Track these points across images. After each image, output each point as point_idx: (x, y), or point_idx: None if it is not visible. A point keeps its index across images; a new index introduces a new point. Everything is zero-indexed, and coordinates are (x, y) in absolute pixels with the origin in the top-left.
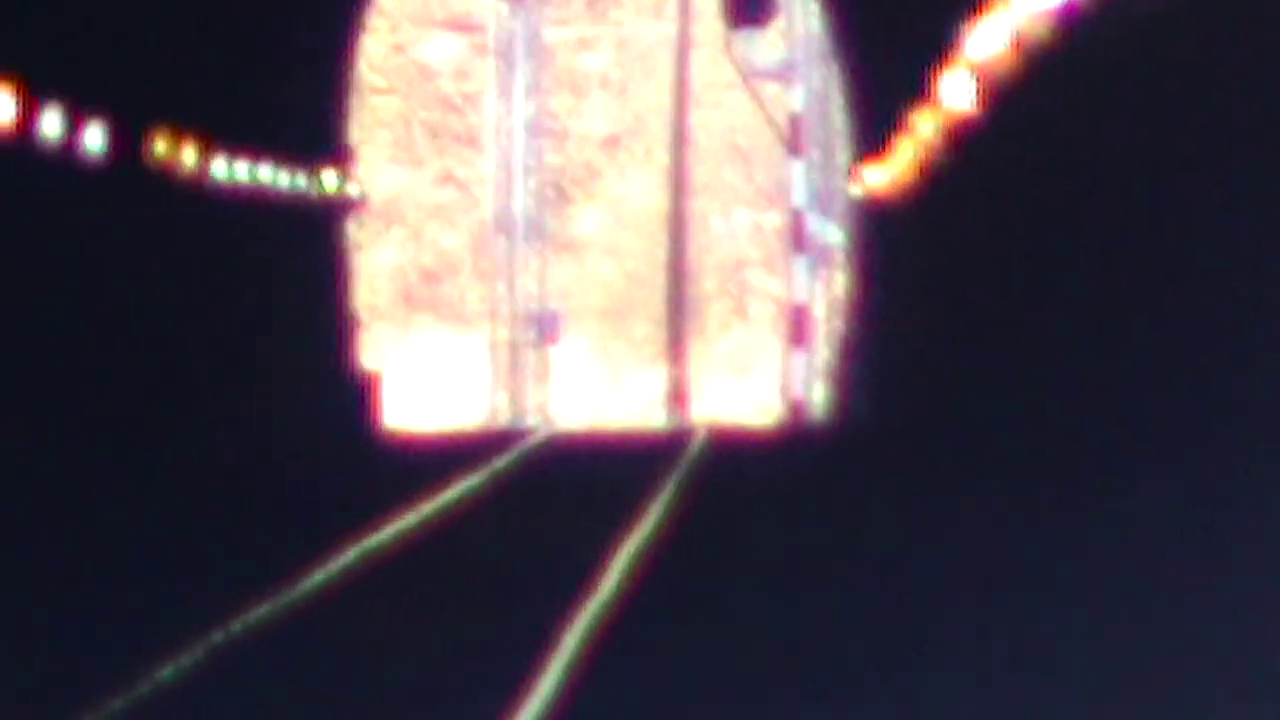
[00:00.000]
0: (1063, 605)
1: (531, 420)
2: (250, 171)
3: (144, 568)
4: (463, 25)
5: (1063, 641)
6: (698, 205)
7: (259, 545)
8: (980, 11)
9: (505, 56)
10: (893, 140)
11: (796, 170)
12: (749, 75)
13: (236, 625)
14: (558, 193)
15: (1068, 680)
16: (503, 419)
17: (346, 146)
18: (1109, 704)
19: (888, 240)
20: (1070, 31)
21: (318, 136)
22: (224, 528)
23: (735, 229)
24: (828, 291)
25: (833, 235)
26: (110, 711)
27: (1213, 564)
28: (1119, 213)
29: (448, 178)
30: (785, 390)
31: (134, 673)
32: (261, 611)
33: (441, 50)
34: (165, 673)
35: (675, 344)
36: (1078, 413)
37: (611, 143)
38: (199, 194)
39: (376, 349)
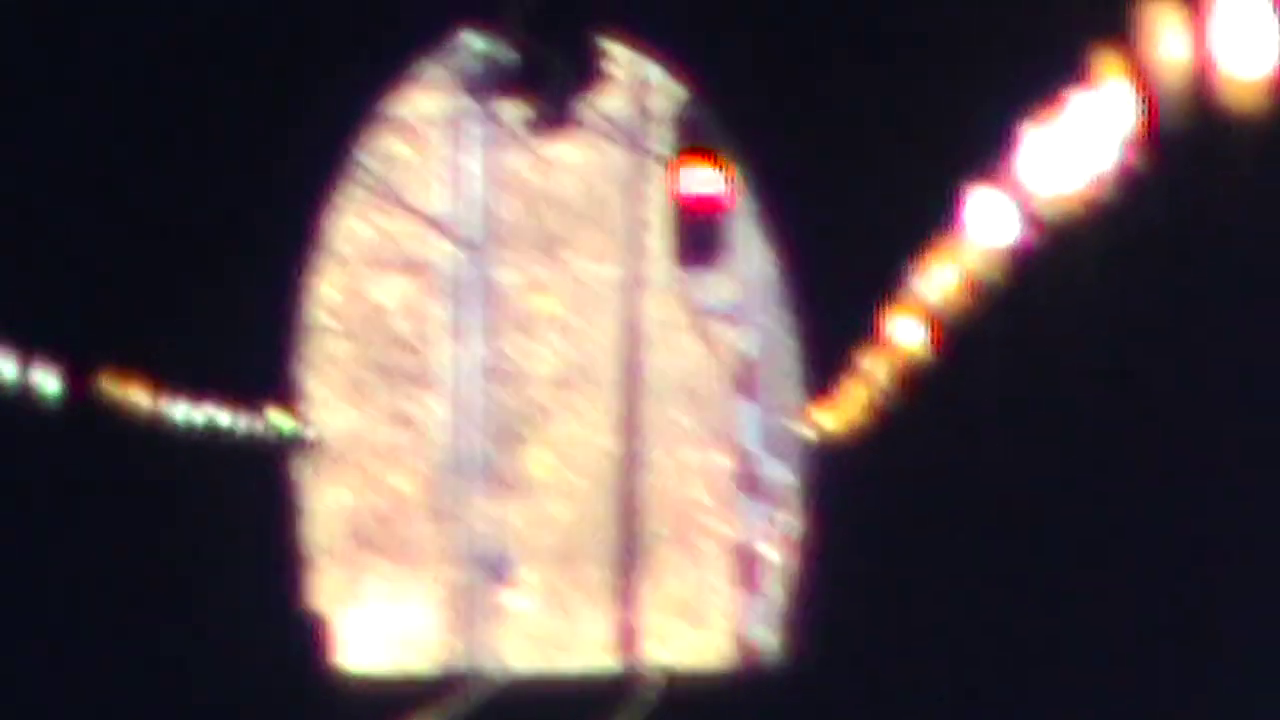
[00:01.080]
0: None
1: (483, 663)
2: (201, 411)
3: None
4: (415, 267)
5: None
6: (648, 446)
7: None
8: (931, 252)
9: (457, 297)
10: (843, 381)
11: (746, 411)
12: (699, 316)
13: None
14: (509, 433)
15: None
16: (455, 662)
17: (297, 386)
18: None
19: (838, 482)
20: (1021, 271)
21: (268, 376)
22: None
23: (685, 470)
24: (778, 533)
25: (783, 476)
26: None
27: None
28: (1071, 452)
29: (399, 418)
30: (736, 633)
31: None
32: None
33: (393, 291)
34: None
35: (626, 586)
36: (1028, 653)
37: (563, 383)
38: (150, 434)
39: (328, 590)
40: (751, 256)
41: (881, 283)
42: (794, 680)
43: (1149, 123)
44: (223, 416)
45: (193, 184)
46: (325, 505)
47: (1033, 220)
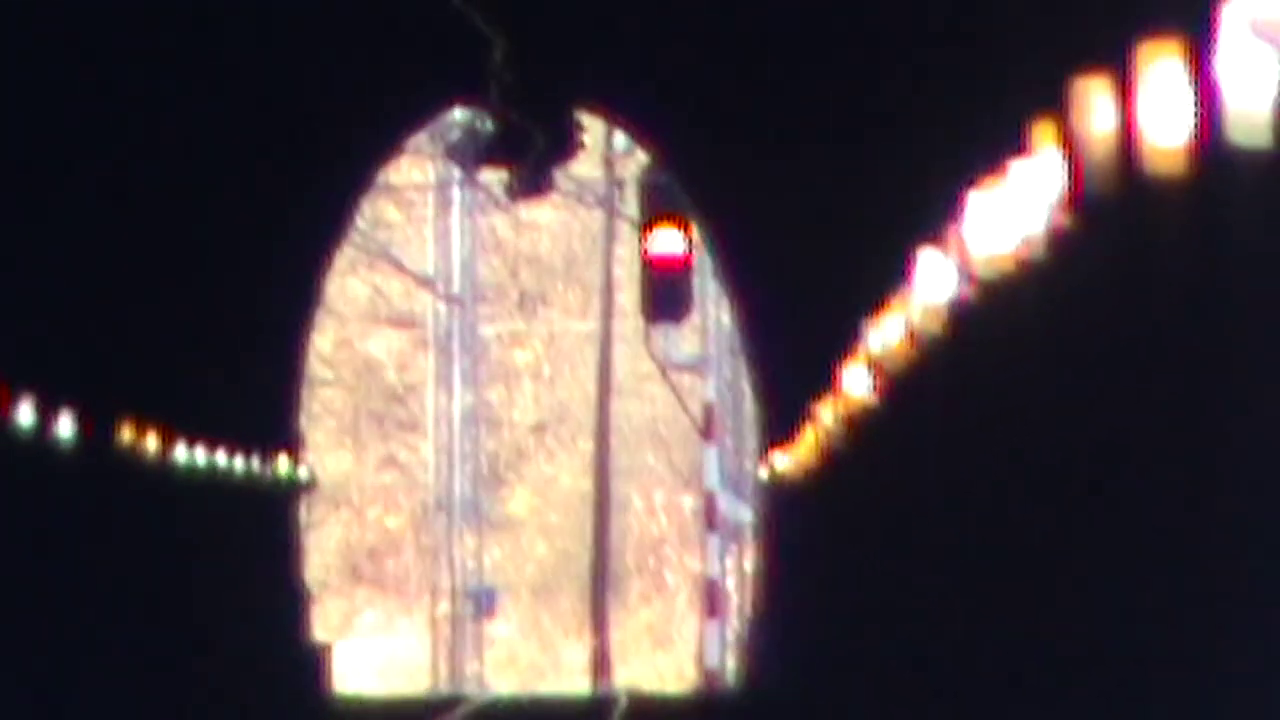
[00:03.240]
0: None
1: (469, 688)
2: (207, 458)
3: None
4: (404, 322)
5: None
6: (619, 487)
7: None
8: (879, 309)
9: (444, 350)
10: (798, 427)
11: (710, 455)
12: (666, 367)
13: None
14: (492, 476)
15: None
16: (443, 687)
17: (297, 433)
18: None
19: (792, 519)
20: (959, 326)
21: (270, 425)
22: None
23: (654, 509)
24: (739, 567)
25: (744, 515)
26: None
27: None
28: (1002, 490)
29: (391, 462)
30: (700, 660)
31: None
32: None
33: (385, 344)
34: None
35: (599, 616)
36: (973, 676)
37: (540, 429)
38: (161, 479)
39: (327, 621)
40: (714, 310)
41: (834, 335)
42: (751, 702)
43: (1078, 187)
44: (229, 461)
45: (203, 247)
46: (323, 543)
47: (972, 278)
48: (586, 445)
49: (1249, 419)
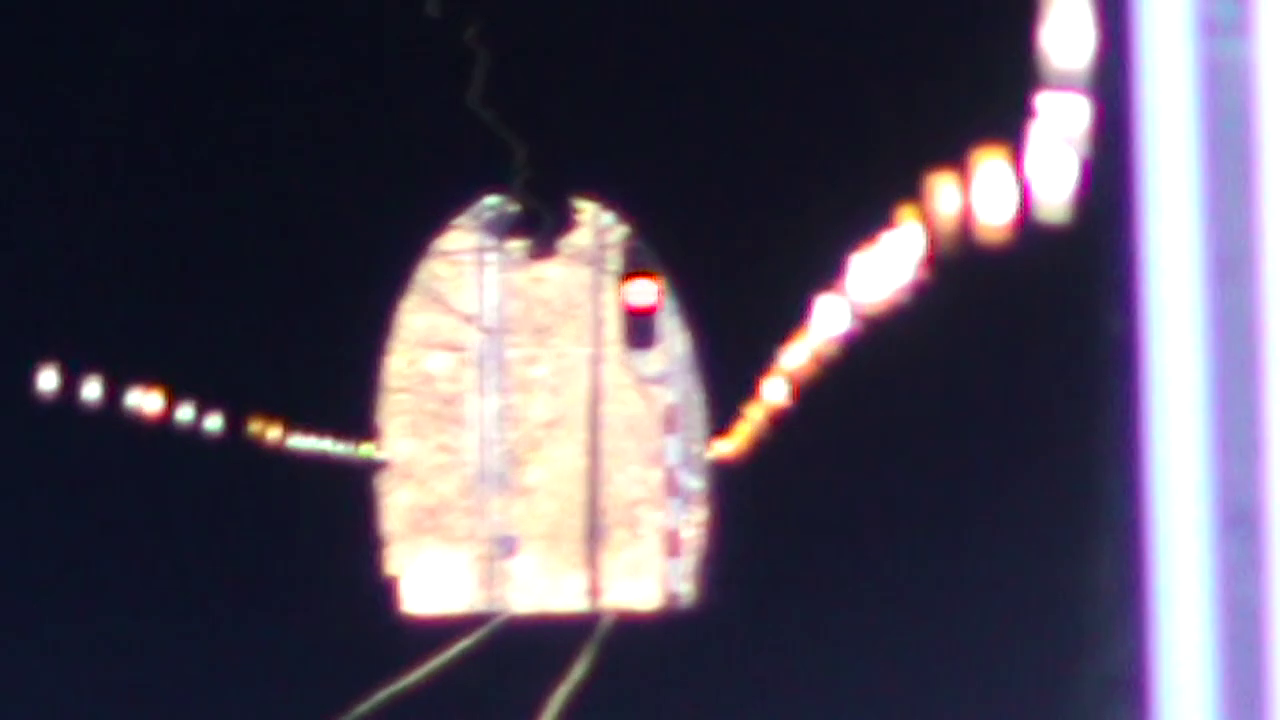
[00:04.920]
0: None
1: (498, 607)
2: (315, 443)
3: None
4: (453, 346)
5: None
6: (605, 465)
7: (321, 688)
8: (792, 338)
9: (481, 367)
10: (734, 422)
11: (671, 442)
12: (640, 380)
13: None
14: (515, 458)
15: None
16: (479, 607)
17: (376, 427)
18: None
19: (731, 487)
20: (848, 350)
21: (358, 420)
22: (297, 677)
23: (631, 481)
24: (692, 521)
25: (695, 484)
26: None
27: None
28: (884, 468)
29: (444, 447)
30: (664, 586)
31: None
32: None
33: (439, 363)
34: None
35: (591, 556)
36: (855, 599)
37: (550, 424)
38: (280, 458)
39: (397, 560)
40: (675, 340)
41: (760, 358)
42: (703, 617)
43: (932, 252)
44: (331, 446)
45: (310, 297)
46: (395, 504)
47: (858, 316)
48: (582, 435)
49: (1048, 413)
